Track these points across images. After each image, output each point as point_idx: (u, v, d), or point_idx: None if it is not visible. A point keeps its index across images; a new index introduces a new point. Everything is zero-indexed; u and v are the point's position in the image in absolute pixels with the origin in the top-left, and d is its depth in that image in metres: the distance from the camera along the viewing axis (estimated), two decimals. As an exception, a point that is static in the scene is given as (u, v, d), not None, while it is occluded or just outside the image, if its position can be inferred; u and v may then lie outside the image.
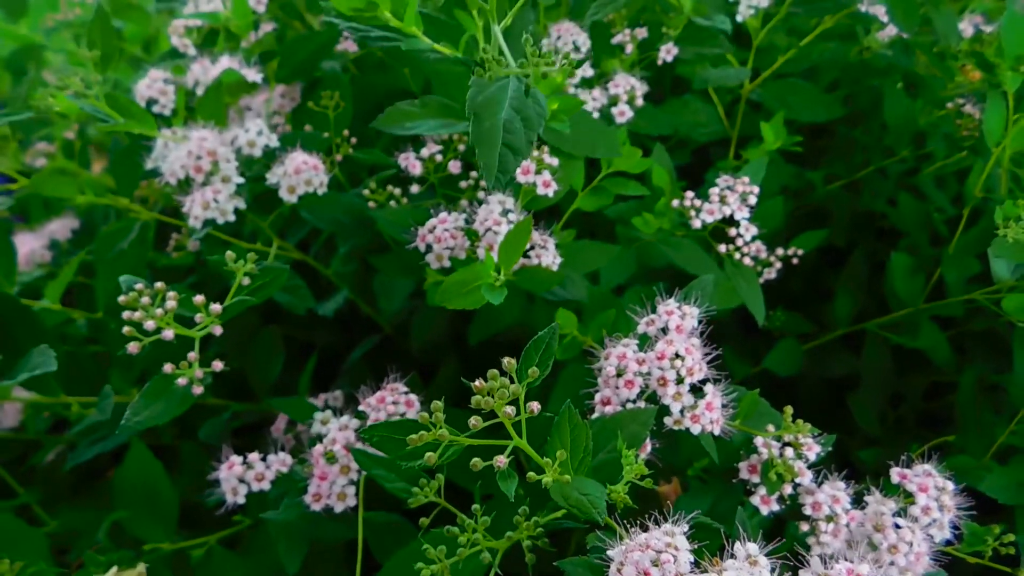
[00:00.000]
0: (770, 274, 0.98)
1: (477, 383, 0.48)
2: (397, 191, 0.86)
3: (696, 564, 0.47)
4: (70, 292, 1.15)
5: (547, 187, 0.74)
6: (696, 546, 0.48)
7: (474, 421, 0.46)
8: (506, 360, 0.49)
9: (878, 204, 1.18)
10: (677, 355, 0.63)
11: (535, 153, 0.74)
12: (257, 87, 0.88)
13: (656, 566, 0.46)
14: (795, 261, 1.00)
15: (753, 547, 0.48)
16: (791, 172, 1.11)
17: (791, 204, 1.21)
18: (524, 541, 0.53)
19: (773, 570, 0.48)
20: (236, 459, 0.70)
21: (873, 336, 1.03)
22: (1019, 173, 0.82)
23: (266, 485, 0.69)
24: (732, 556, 0.48)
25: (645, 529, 0.50)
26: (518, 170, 0.73)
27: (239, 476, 0.69)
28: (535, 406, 0.48)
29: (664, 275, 0.92)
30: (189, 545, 0.78)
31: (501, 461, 0.47)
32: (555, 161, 0.74)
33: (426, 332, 1.08)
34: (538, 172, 0.74)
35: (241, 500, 0.69)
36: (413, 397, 0.70)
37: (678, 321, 0.66)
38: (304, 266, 1.04)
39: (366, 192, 0.85)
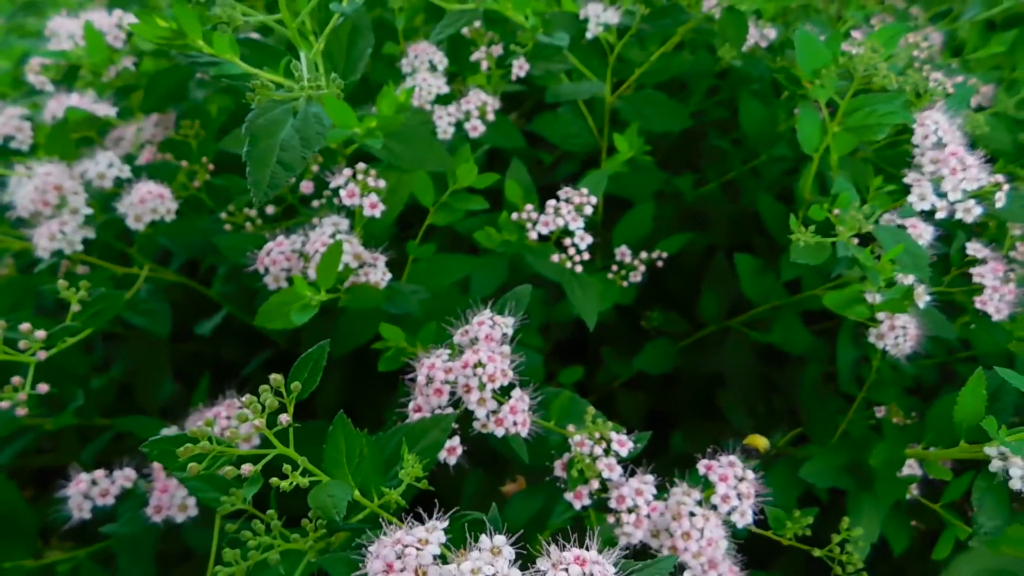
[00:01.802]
0: (635, 277, 1.03)
1: (244, 398, 0.52)
2: (253, 213, 0.90)
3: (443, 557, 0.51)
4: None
5: (373, 208, 0.78)
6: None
7: (229, 432, 0.51)
8: (273, 376, 0.54)
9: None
10: (480, 363, 0.67)
11: (359, 177, 0.78)
12: (110, 120, 0.92)
13: (399, 559, 0.50)
14: (659, 264, 1.05)
15: (500, 539, 0.53)
16: (662, 178, 1.16)
17: (672, 208, 1.26)
18: (308, 543, 0.58)
19: (517, 560, 0.52)
20: (84, 477, 0.74)
21: (736, 333, 1.08)
22: (827, 175, 0.86)
23: (110, 500, 0.73)
24: (478, 549, 0.52)
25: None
26: (343, 193, 0.77)
27: (84, 492, 0.73)
28: (284, 418, 0.52)
29: (540, 282, 0.96)
30: (56, 560, 0.81)
31: (246, 469, 0.51)
32: (382, 183, 0.79)
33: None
34: (364, 195, 0.78)
35: (87, 515, 0.73)
36: (248, 411, 0.73)
37: (488, 331, 0.71)
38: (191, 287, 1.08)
39: (224, 216, 0.90)
